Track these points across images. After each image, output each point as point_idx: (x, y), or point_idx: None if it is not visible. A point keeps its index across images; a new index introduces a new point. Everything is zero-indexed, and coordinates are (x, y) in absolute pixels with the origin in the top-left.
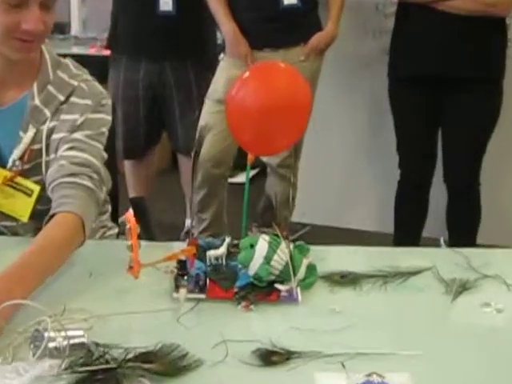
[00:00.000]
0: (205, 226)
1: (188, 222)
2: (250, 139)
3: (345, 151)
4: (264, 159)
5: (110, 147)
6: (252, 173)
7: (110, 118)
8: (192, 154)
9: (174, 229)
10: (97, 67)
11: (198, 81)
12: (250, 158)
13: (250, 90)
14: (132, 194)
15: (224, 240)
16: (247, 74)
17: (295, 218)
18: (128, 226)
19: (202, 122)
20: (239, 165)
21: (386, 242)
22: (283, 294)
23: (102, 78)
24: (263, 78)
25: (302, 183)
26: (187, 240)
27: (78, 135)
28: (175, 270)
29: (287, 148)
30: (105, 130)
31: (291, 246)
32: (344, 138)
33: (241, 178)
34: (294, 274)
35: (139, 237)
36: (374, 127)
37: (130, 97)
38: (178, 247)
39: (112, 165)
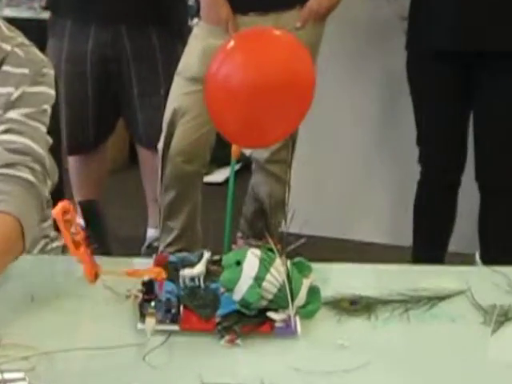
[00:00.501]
0: (173, 238)
1: (151, 232)
2: (235, 128)
3: (349, 144)
4: (247, 152)
5: (54, 131)
6: (228, 171)
7: (53, 92)
8: (158, 147)
9: (132, 241)
10: (32, 34)
11: (164, 52)
12: (235, 150)
13: (235, 65)
14: (79, 197)
15: (202, 255)
16: (232, 43)
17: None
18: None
19: (173, 105)
20: (216, 159)
21: (400, 258)
22: (278, 324)
23: (39, 49)
24: (253, 49)
25: (294, 184)
26: (153, 256)
27: (13, 114)
28: (139, 294)
29: (282, 139)
30: (47, 106)
31: (288, 262)
32: (348, 127)
33: (218, 176)
34: (292, 300)
35: (91, 247)
36: (386, 114)
37: (76, 73)
38: (140, 264)
39: (57, 154)
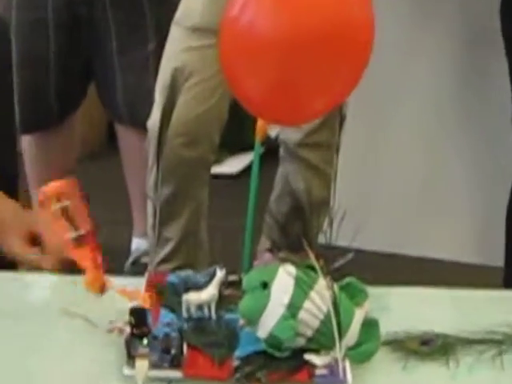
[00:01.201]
0: (170, 251)
1: (138, 243)
2: (261, 96)
3: (411, 129)
4: (273, 133)
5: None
6: (250, 158)
7: None
8: (148, 125)
9: (111, 253)
10: None
11: None
12: (261, 128)
13: (263, 9)
14: (35, 192)
15: (213, 275)
16: None
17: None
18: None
19: (171, 65)
20: (228, 143)
21: (488, 281)
22: (320, 371)
23: None
24: None
25: (338, 180)
26: (146, 275)
27: None
28: (126, 328)
29: (325, 112)
30: None
31: (335, 285)
32: (410, 105)
33: (231, 165)
34: (340, 337)
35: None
36: (466, 86)
37: (32, 22)
38: (124, 285)
39: (7, 132)
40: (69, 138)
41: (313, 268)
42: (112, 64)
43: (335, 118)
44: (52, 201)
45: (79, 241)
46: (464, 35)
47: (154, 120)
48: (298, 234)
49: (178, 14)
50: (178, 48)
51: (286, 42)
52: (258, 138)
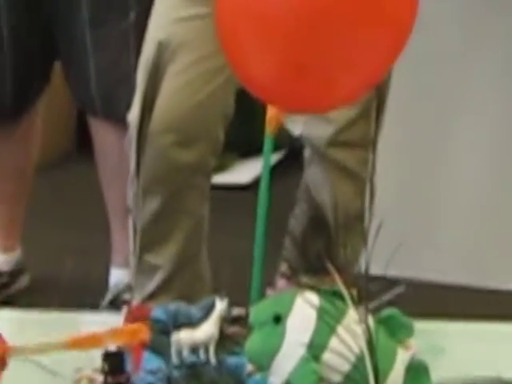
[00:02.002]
0: (159, 283)
1: (117, 275)
2: (272, 77)
3: (474, 136)
4: (296, 131)
5: None
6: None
7: None
8: (128, 118)
9: (83, 287)
10: None
11: None
12: (273, 118)
13: None
14: None
15: (211, 307)
16: None
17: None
18: None
19: (156, 37)
20: (238, 144)
21: None
22: None
23: None
24: None
25: (379, 188)
26: (123, 309)
27: None
28: (98, 378)
29: (356, 95)
30: None
31: (371, 319)
32: (474, 109)
33: (241, 173)
34: None
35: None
36: None
37: None
38: (98, 323)
39: None
40: (27, 136)
41: (341, 296)
42: (82, 40)
43: (372, 106)
44: None
45: None
46: None
47: (135, 111)
48: (320, 252)
49: None
50: (164, 18)
51: (304, 8)
52: (269, 132)
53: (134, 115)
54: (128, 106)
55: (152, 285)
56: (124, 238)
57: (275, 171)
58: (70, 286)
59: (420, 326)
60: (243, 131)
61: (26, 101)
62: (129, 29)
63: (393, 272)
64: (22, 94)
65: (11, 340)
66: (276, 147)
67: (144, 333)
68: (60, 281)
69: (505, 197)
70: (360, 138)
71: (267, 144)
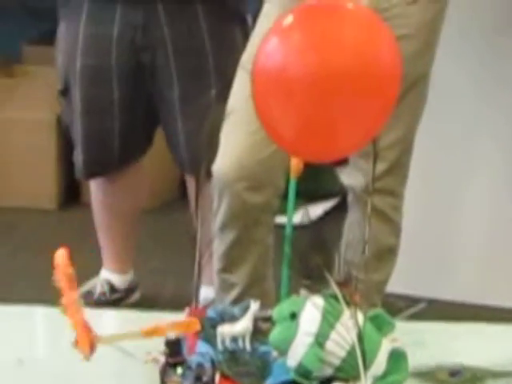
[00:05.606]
0: (234, 297)
1: (207, 291)
2: (295, 133)
3: (487, 165)
4: (346, 180)
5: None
6: (324, 207)
7: None
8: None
9: (180, 301)
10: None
11: (216, 37)
12: (296, 166)
13: (294, 51)
14: (103, 238)
15: (247, 307)
16: (290, 19)
17: (395, 286)
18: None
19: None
20: (305, 191)
21: None
22: None
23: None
24: (315, 28)
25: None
26: (186, 310)
27: None
28: (161, 358)
29: (358, 146)
30: None
31: (360, 316)
32: (488, 141)
33: (298, 215)
34: (366, 367)
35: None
36: None
37: (96, 69)
38: (164, 320)
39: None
40: (135, 185)
41: (340, 299)
42: (174, 111)
43: (402, 166)
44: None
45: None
46: None
47: (217, 164)
48: (318, 263)
49: (244, 57)
50: (242, 93)
51: (315, 81)
52: (293, 176)
53: (216, 167)
54: (210, 163)
55: (228, 299)
56: (209, 263)
57: (329, 216)
58: (171, 301)
59: (408, 325)
60: (307, 181)
61: (131, 156)
62: (211, 103)
63: (415, 291)
64: (128, 151)
65: (103, 331)
66: (332, 194)
67: (196, 325)
68: (162, 297)
69: None
70: (389, 187)
71: (291, 187)
